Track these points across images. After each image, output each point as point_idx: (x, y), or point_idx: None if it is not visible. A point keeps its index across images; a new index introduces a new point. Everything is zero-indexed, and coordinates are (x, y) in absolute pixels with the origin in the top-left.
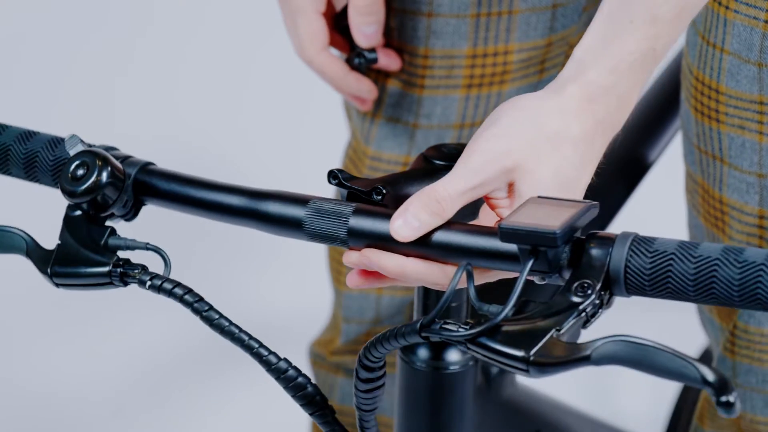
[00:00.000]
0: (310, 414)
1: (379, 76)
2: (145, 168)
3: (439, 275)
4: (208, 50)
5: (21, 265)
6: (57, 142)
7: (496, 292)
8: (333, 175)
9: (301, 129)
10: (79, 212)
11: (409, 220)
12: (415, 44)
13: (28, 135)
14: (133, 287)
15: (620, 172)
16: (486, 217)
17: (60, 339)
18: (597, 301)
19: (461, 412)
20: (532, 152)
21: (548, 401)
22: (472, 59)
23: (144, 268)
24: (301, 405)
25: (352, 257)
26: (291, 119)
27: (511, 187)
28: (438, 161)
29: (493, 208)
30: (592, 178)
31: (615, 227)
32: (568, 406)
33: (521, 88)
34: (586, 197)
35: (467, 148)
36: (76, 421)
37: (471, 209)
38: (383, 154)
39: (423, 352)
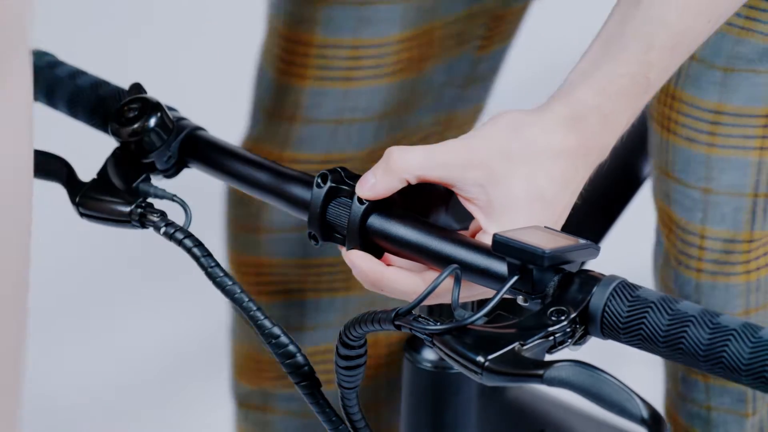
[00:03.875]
0: (297, 383)
1: (292, 78)
2: (195, 130)
3: (418, 284)
4: (201, 47)
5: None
6: (124, 93)
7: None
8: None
9: None
10: (123, 155)
11: (367, 177)
12: (342, 36)
13: (100, 84)
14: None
15: (617, 180)
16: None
17: (63, 340)
18: (568, 329)
19: (466, 412)
20: (503, 156)
21: (553, 401)
22: (402, 44)
23: (163, 214)
24: (288, 373)
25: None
26: None
27: (483, 191)
28: None
29: (468, 208)
30: (585, 189)
31: (612, 233)
32: (572, 406)
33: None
34: (583, 198)
35: None
36: (78, 421)
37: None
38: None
39: (428, 352)
